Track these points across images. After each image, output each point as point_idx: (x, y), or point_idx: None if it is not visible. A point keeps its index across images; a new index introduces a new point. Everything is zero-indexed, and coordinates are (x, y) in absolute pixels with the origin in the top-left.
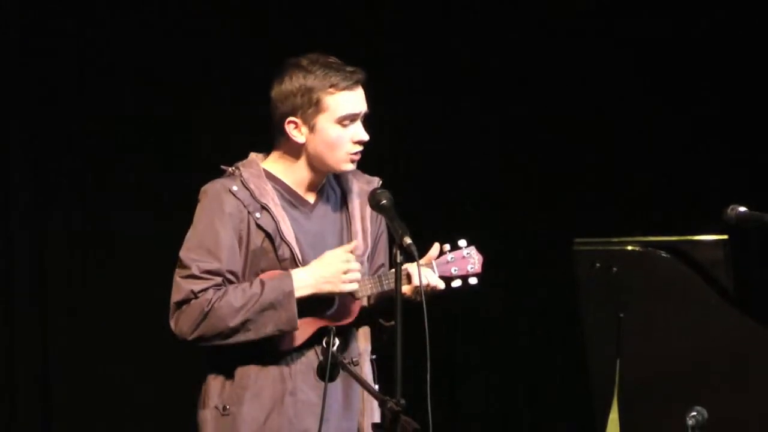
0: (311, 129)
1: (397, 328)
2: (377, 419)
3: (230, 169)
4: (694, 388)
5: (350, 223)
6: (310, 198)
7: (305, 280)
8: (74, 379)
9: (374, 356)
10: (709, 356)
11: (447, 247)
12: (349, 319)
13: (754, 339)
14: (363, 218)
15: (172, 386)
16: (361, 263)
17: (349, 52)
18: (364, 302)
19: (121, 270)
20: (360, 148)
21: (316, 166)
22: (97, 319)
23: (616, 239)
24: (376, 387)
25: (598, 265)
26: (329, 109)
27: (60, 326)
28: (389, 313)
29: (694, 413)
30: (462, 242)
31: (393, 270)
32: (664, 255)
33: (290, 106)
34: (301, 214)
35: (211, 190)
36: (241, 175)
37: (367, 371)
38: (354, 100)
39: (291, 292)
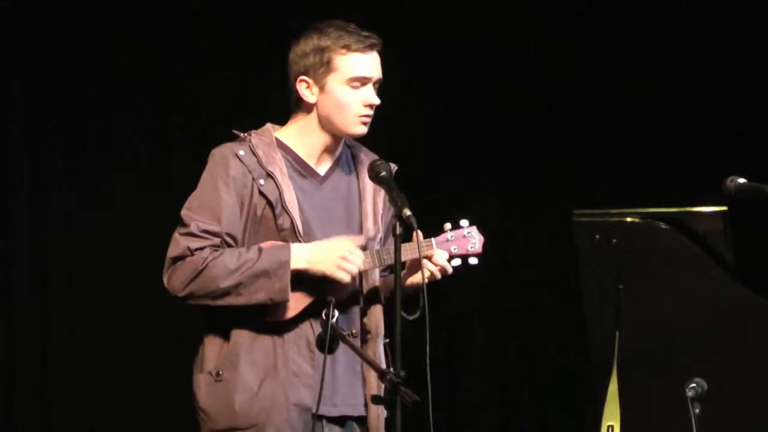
0: (321, 89)
1: (397, 301)
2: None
3: (242, 135)
4: (694, 359)
5: (361, 203)
6: (321, 170)
7: (302, 255)
8: (74, 379)
9: (387, 340)
10: (708, 327)
11: (448, 225)
12: (341, 296)
13: (753, 310)
14: (375, 201)
15: (174, 385)
16: (372, 247)
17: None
18: (376, 280)
19: (122, 268)
20: (370, 111)
21: (327, 128)
22: (98, 319)
23: (615, 210)
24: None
25: (597, 236)
26: (339, 69)
27: (60, 326)
28: (410, 305)
29: (694, 385)
30: (464, 222)
31: (389, 248)
32: (664, 226)
33: (303, 65)
34: (310, 185)
35: (219, 153)
36: (250, 141)
37: (379, 354)
38: (365, 62)
39: (286, 263)
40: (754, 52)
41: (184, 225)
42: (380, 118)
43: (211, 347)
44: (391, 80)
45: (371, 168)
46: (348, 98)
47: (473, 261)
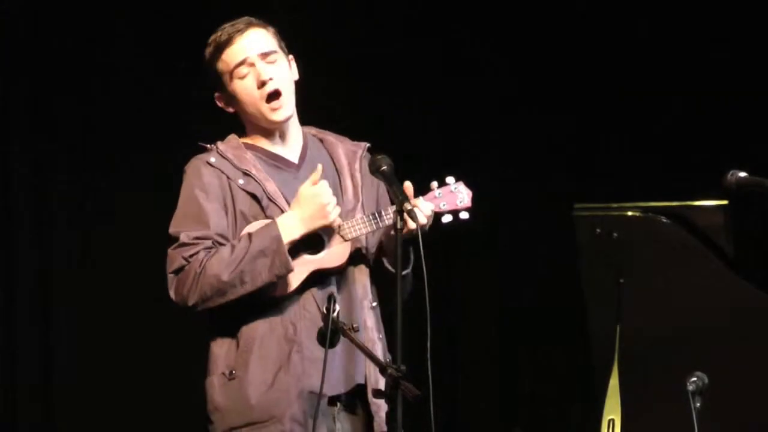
0: (228, 96)
1: (398, 294)
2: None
3: (209, 146)
4: (695, 353)
5: (340, 179)
6: (293, 158)
7: (291, 223)
8: (75, 379)
9: (374, 303)
10: (709, 321)
11: (435, 183)
12: (341, 262)
13: (753, 304)
14: (352, 175)
15: (175, 385)
16: (352, 217)
17: None
18: (362, 243)
19: (123, 267)
20: (269, 89)
21: (262, 126)
22: (99, 319)
23: (616, 204)
24: (381, 335)
25: (598, 230)
26: (223, 71)
27: (62, 326)
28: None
29: (695, 379)
30: (449, 179)
31: (388, 207)
32: (665, 220)
33: (211, 83)
34: (288, 176)
35: (191, 166)
36: (218, 148)
37: (365, 319)
38: (235, 51)
39: (278, 237)
40: (753, 45)
41: (175, 239)
42: (378, 107)
43: (220, 350)
44: (390, 72)
45: (372, 162)
46: (243, 88)
47: (464, 216)
